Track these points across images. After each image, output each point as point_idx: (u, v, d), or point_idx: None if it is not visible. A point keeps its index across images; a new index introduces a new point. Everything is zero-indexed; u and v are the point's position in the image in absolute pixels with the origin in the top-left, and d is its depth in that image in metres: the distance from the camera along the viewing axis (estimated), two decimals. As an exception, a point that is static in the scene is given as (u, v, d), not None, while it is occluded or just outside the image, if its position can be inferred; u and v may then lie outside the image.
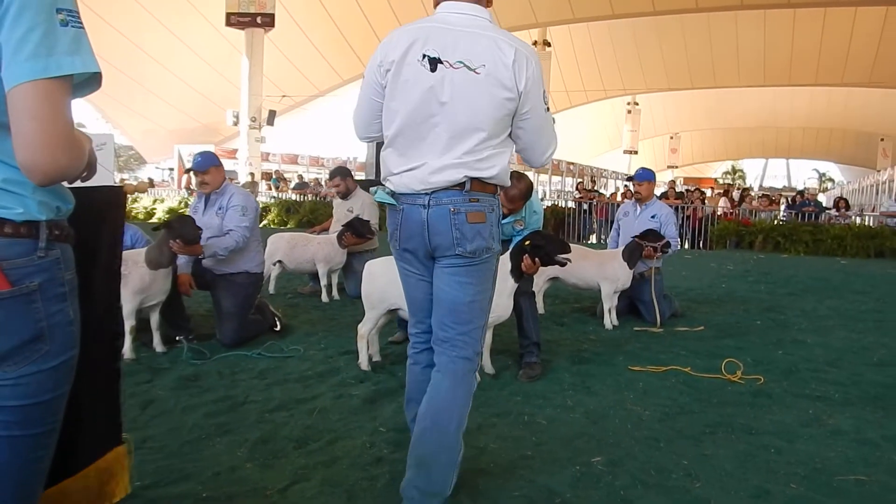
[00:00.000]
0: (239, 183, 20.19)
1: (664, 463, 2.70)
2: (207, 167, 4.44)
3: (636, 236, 5.37)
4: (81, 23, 1.13)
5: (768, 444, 2.91)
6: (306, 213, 15.72)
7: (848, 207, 14.98)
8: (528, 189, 3.86)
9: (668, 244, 5.33)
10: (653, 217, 5.60)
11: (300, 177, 24.21)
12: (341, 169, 6.79)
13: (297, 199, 17.46)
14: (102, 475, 1.64)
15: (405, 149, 2.13)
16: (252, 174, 20.20)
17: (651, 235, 5.33)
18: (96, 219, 1.53)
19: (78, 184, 1.34)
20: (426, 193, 2.12)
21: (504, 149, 2.17)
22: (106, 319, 1.62)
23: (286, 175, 25.88)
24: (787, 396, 3.61)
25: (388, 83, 2.09)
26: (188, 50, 25.51)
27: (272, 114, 21.09)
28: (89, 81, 1.17)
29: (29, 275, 1.17)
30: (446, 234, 2.12)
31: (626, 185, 18.01)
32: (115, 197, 1.64)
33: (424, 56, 2.04)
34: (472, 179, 2.12)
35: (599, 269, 5.31)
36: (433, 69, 2.04)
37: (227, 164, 24.33)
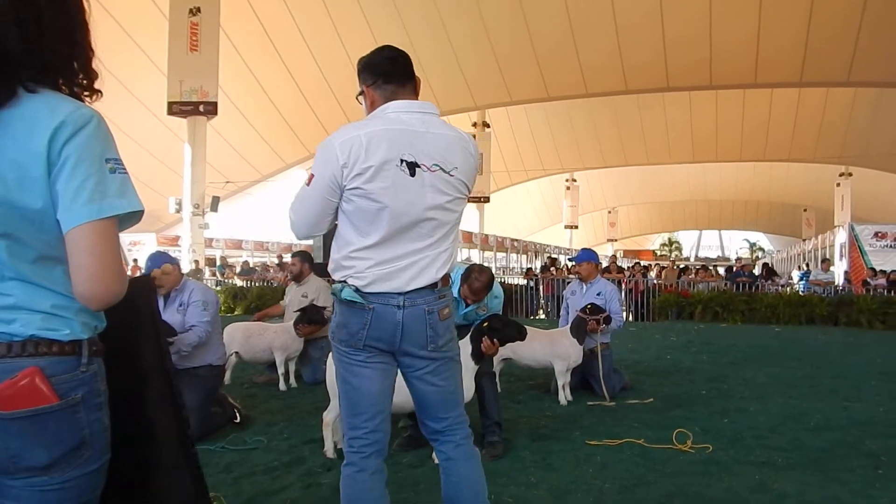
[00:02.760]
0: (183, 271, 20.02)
1: (627, 534, 2.84)
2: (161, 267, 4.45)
3: (579, 311, 5.63)
4: (125, 169, 1.31)
5: (721, 511, 3.09)
6: (254, 299, 15.59)
7: (774, 274, 15.76)
8: (490, 281, 4.09)
9: (609, 318, 5.59)
10: (598, 294, 5.87)
11: (246, 262, 24.07)
12: (302, 253, 6.94)
13: (244, 286, 17.34)
14: None
15: (380, 249, 2.09)
16: (196, 261, 20.00)
17: (594, 310, 5.58)
18: (133, 307, 1.66)
19: None
20: (400, 294, 2.10)
21: (457, 240, 2.30)
22: (168, 390, 1.74)
23: (230, 261, 25.70)
24: (735, 464, 3.81)
25: (358, 186, 2.03)
26: (128, 138, 25.54)
27: (216, 200, 21.06)
28: (131, 216, 1.34)
29: (74, 388, 1.30)
30: (420, 333, 2.14)
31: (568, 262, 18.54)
32: (148, 283, 1.84)
33: (402, 161, 2.04)
34: (442, 276, 2.18)
35: (551, 348, 5.51)
36: (412, 174, 2.05)
37: (170, 252, 23.93)
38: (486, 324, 3.89)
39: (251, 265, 23.14)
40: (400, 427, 4.51)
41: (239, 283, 18.01)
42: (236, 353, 6.07)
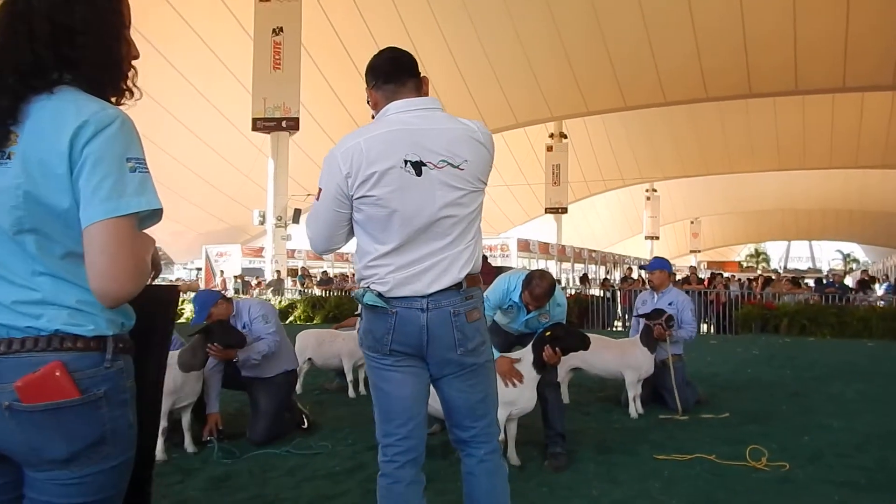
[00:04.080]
0: (265, 280, 20.66)
1: (689, 551, 2.74)
2: (208, 311, 4.50)
3: (642, 317, 5.52)
4: (147, 169, 1.34)
5: (794, 531, 2.94)
6: (331, 309, 15.94)
7: (873, 282, 14.92)
8: (552, 287, 4.02)
9: (671, 318, 5.40)
10: (670, 304, 5.70)
11: (325, 273, 24.63)
12: None
13: (323, 295, 17.74)
14: None
15: (398, 254, 2.05)
16: (278, 271, 20.64)
17: (655, 314, 5.44)
18: (151, 315, 1.67)
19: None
20: (423, 297, 2.05)
21: (480, 236, 2.19)
22: (153, 408, 1.74)
23: (311, 271, 26.36)
24: (813, 483, 3.62)
25: (364, 194, 2.01)
26: (215, 154, 26.64)
27: (297, 212, 21.70)
28: (152, 215, 1.37)
29: (96, 384, 1.33)
30: (447, 336, 2.08)
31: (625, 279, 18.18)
32: (171, 294, 1.83)
33: (406, 162, 2.00)
34: (468, 276, 2.11)
35: (622, 358, 5.39)
36: (418, 173, 2.00)
37: (255, 263, 24.66)
38: (548, 332, 3.85)
39: (330, 275, 23.63)
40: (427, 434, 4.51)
41: (318, 292, 18.42)
42: (309, 359, 6.22)
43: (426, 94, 2.16)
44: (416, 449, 2.15)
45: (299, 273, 22.95)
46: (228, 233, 29.92)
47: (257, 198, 23.24)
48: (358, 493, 3.49)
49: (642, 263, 24.29)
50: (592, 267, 31.98)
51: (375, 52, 2.21)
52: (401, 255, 2.04)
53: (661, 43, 21.87)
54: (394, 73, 2.14)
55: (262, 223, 21.75)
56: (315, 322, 15.57)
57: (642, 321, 5.75)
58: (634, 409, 5.31)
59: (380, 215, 2.02)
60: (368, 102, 2.21)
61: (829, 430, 4.84)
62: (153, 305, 1.69)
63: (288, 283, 20.72)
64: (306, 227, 2.17)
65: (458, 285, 2.08)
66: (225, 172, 27.42)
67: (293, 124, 20.07)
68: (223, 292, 5.04)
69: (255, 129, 20.34)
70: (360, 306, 2.00)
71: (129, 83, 1.45)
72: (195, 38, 22.52)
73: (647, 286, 6.16)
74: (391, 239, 2.03)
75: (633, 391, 5.34)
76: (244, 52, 20.57)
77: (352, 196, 2.03)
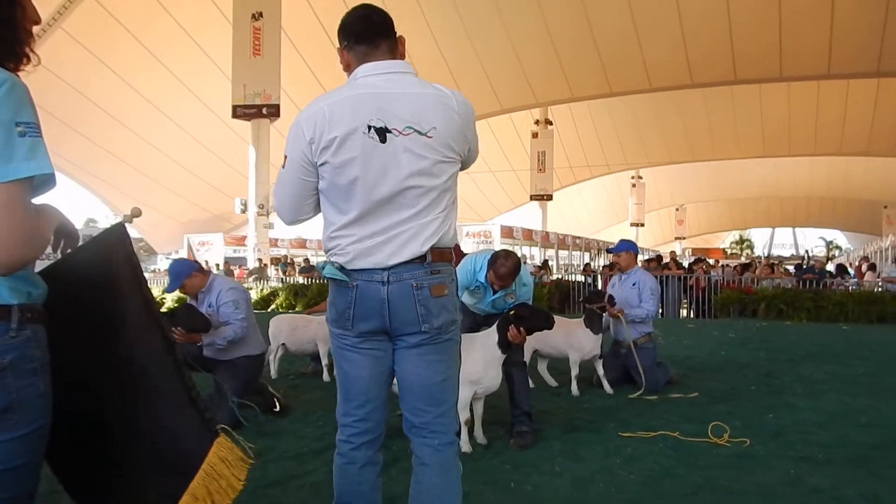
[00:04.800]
0: (248, 269, 20.58)
1: (643, 524, 2.78)
2: (181, 282, 4.54)
3: (583, 301, 5.66)
4: (39, 133, 1.30)
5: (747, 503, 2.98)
6: (314, 296, 15.89)
7: (845, 272, 15.09)
8: (516, 266, 4.02)
9: (611, 297, 5.50)
10: (633, 285, 5.80)
11: (306, 260, 24.56)
12: None
13: (305, 283, 17.69)
14: (215, 470, 1.74)
15: (360, 224, 1.96)
16: (260, 259, 20.56)
17: (592, 296, 5.57)
18: (108, 261, 1.70)
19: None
20: (384, 269, 1.96)
21: (454, 209, 2.08)
22: (156, 334, 1.77)
23: (294, 259, 26.29)
24: (771, 458, 3.67)
25: (327, 161, 1.91)
26: (196, 143, 26.46)
27: (280, 200, 21.63)
28: (46, 181, 1.34)
29: (1, 353, 1.32)
30: (409, 311, 1.97)
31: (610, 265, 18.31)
32: (119, 232, 1.80)
33: (370, 127, 1.89)
34: (432, 249, 1.99)
35: (565, 338, 5.47)
36: (383, 140, 1.89)
37: (238, 251, 24.50)
38: (512, 312, 3.86)
39: (312, 263, 23.57)
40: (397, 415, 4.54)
41: (300, 280, 18.36)
42: (283, 344, 6.21)
43: (402, 57, 2.03)
44: (373, 431, 2.09)
45: (281, 261, 22.88)
46: (211, 222, 29.78)
47: (239, 186, 23.12)
48: (322, 472, 3.49)
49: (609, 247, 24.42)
50: (577, 254, 32.12)
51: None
52: (362, 225, 1.95)
53: (646, 29, 21.93)
54: (365, 33, 2.01)
55: (243, 212, 21.67)
56: (297, 310, 15.54)
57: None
58: (576, 387, 5.44)
59: (341, 183, 1.92)
60: (342, 65, 2.08)
61: (794, 409, 4.90)
62: (106, 252, 1.71)
63: (271, 271, 20.65)
64: (273, 197, 2.09)
65: (421, 258, 1.97)
66: (206, 161, 27.26)
67: (274, 111, 19.96)
68: (200, 264, 5.01)
69: (235, 116, 20.22)
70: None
71: (27, 49, 1.41)
72: (172, 23, 22.29)
73: (616, 267, 6.21)
74: (353, 208, 1.94)
75: (575, 370, 5.48)
76: (224, 39, 20.41)
77: (315, 163, 1.94)
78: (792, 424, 4.41)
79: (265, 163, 20.79)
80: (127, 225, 1.83)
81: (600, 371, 5.51)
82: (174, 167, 27.02)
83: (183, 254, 27.41)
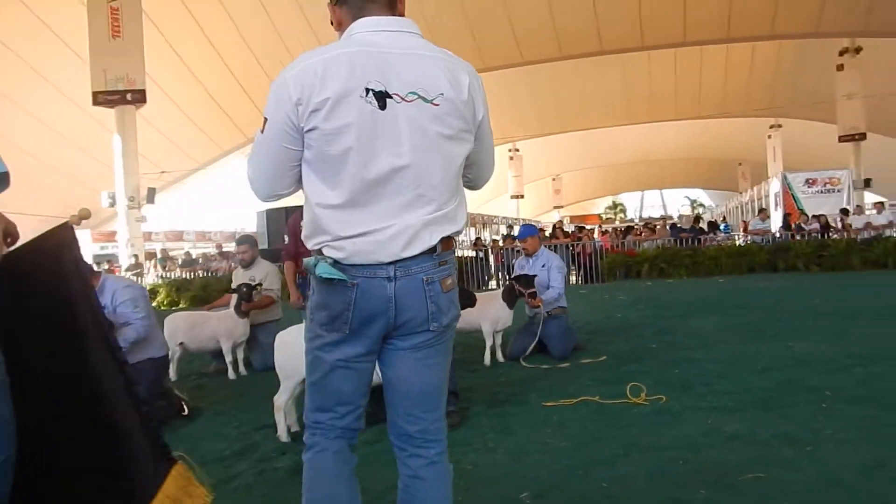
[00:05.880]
0: (121, 267, 19.40)
1: (585, 489, 2.85)
2: None
3: (511, 279, 5.87)
4: None
5: (675, 457, 3.13)
6: (198, 291, 15.24)
7: (716, 228, 16.18)
8: None
9: (534, 294, 5.69)
10: (543, 266, 6.05)
11: (188, 253, 23.52)
12: (248, 237, 6.82)
13: (188, 277, 16.93)
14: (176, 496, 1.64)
15: (357, 208, 1.67)
16: (136, 255, 19.44)
17: (523, 280, 5.73)
18: (58, 261, 1.56)
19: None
20: (390, 263, 1.70)
21: (463, 193, 1.85)
22: (104, 348, 1.61)
23: (172, 253, 25.08)
24: (687, 411, 3.87)
25: (316, 126, 1.62)
26: (50, 131, 24.51)
27: (152, 191, 20.46)
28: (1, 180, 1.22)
29: None
30: (419, 309, 1.73)
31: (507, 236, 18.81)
32: (67, 232, 1.65)
33: (368, 91, 1.61)
34: (442, 239, 1.75)
35: (479, 310, 5.56)
36: (382, 106, 1.63)
37: (108, 248, 23.00)
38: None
39: (193, 256, 22.58)
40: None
41: (182, 275, 17.56)
42: (181, 343, 5.90)
43: (401, 14, 1.77)
44: (350, 428, 1.84)
45: (159, 256, 21.75)
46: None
47: (103, 178, 21.66)
48: (252, 474, 3.36)
49: (510, 223, 24.98)
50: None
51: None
52: (358, 210, 1.67)
53: (516, 3, 22.31)
54: None
55: (112, 205, 20.32)
56: (182, 306, 14.84)
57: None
58: (490, 356, 5.69)
59: (332, 153, 1.63)
60: (332, 24, 1.80)
61: (694, 362, 5.20)
62: (53, 254, 1.57)
63: (149, 267, 19.58)
64: (247, 167, 1.76)
65: (431, 249, 1.73)
66: (63, 151, 25.32)
67: (139, 97, 18.81)
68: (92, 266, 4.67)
69: (96, 103, 18.85)
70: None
71: None
72: (18, 3, 20.42)
73: (522, 253, 6.38)
74: (343, 185, 1.65)
75: (490, 341, 5.70)
76: (77, 19, 18.95)
77: (302, 128, 1.64)
78: (697, 377, 4.67)
79: (133, 152, 19.56)
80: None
81: (498, 342, 5.78)
82: (29, 160, 24.94)
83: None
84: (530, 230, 6.46)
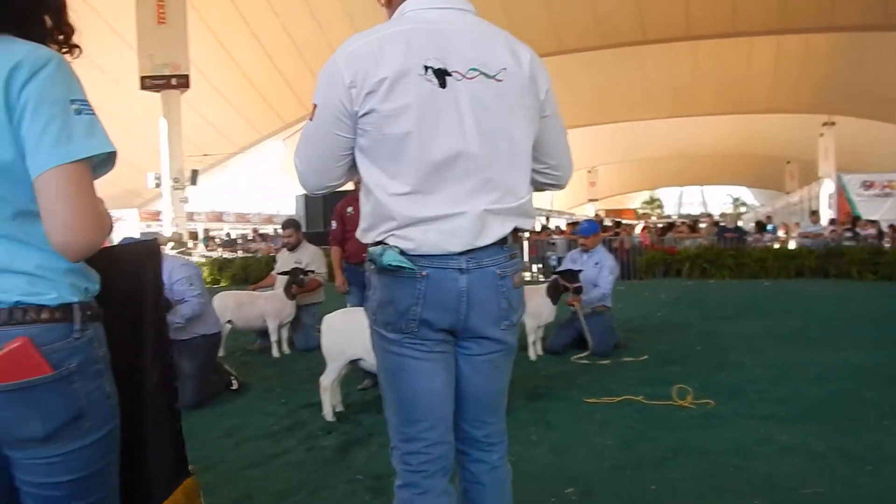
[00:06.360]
0: (165, 246, 19.75)
1: (633, 489, 2.82)
2: None
3: (556, 271, 5.84)
4: (93, 110, 1.22)
5: (726, 464, 3.07)
6: (238, 270, 15.50)
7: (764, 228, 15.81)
8: None
9: (580, 289, 5.61)
10: (596, 264, 6.02)
11: (228, 235, 23.88)
12: (293, 221, 6.98)
13: (228, 258, 17.21)
14: None
15: (423, 195, 1.55)
16: (180, 234, 19.80)
17: (568, 275, 5.65)
18: (136, 274, 1.60)
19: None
20: (461, 253, 1.58)
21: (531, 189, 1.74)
22: (161, 359, 1.67)
23: (212, 234, 25.51)
24: (737, 417, 3.79)
25: (373, 108, 1.51)
26: (102, 115, 24.97)
27: (195, 173, 20.83)
28: (106, 161, 1.25)
29: (68, 357, 1.21)
30: (492, 305, 1.62)
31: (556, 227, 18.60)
32: (152, 247, 1.72)
33: (427, 68, 1.51)
34: (513, 229, 1.65)
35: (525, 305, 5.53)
36: (442, 84, 1.52)
37: (153, 227, 23.51)
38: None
39: (233, 237, 22.92)
40: (359, 389, 4.53)
41: (224, 255, 17.85)
42: (229, 321, 6.01)
43: None
44: (447, 457, 1.68)
45: (202, 236, 22.15)
46: (122, 197, 28.36)
47: (150, 160, 22.08)
48: (301, 451, 3.48)
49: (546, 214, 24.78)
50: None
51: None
52: (424, 197, 1.55)
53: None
54: None
55: (157, 186, 20.77)
56: (223, 284, 15.08)
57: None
58: (534, 351, 5.64)
59: (392, 137, 1.52)
60: (381, 1, 1.73)
61: (742, 367, 5.09)
62: (136, 263, 1.62)
63: (192, 245, 19.97)
64: (295, 157, 1.66)
65: (502, 240, 1.62)
66: (113, 134, 25.74)
67: (183, 81, 19.25)
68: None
69: (143, 87, 19.35)
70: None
71: (71, 35, 1.35)
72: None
73: (580, 247, 6.32)
74: (406, 171, 1.54)
75: (532, 336, 5.65)
76: (126, 6, 19.35)
77: (356, 113, 1.52)
78: (746, 383, 4.56)
79: (178, 135, 19.98)
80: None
81: (539, 335, 5.74)
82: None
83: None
84: (594, 227, 6.52)
